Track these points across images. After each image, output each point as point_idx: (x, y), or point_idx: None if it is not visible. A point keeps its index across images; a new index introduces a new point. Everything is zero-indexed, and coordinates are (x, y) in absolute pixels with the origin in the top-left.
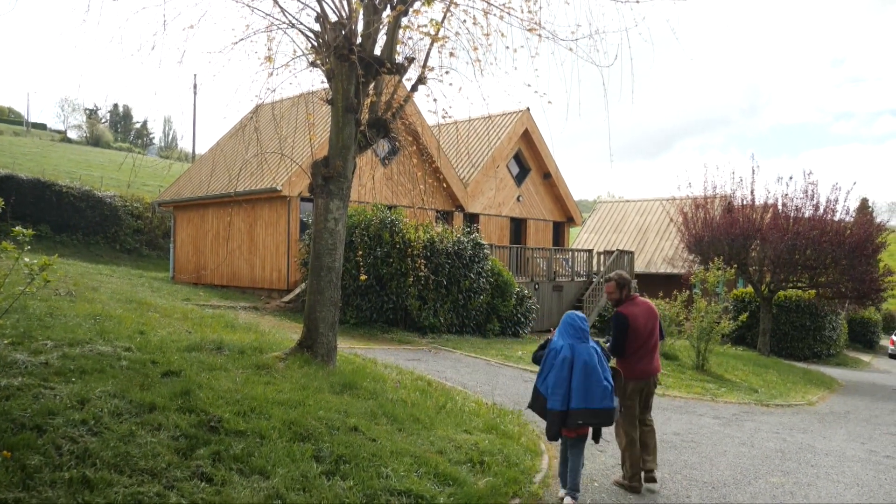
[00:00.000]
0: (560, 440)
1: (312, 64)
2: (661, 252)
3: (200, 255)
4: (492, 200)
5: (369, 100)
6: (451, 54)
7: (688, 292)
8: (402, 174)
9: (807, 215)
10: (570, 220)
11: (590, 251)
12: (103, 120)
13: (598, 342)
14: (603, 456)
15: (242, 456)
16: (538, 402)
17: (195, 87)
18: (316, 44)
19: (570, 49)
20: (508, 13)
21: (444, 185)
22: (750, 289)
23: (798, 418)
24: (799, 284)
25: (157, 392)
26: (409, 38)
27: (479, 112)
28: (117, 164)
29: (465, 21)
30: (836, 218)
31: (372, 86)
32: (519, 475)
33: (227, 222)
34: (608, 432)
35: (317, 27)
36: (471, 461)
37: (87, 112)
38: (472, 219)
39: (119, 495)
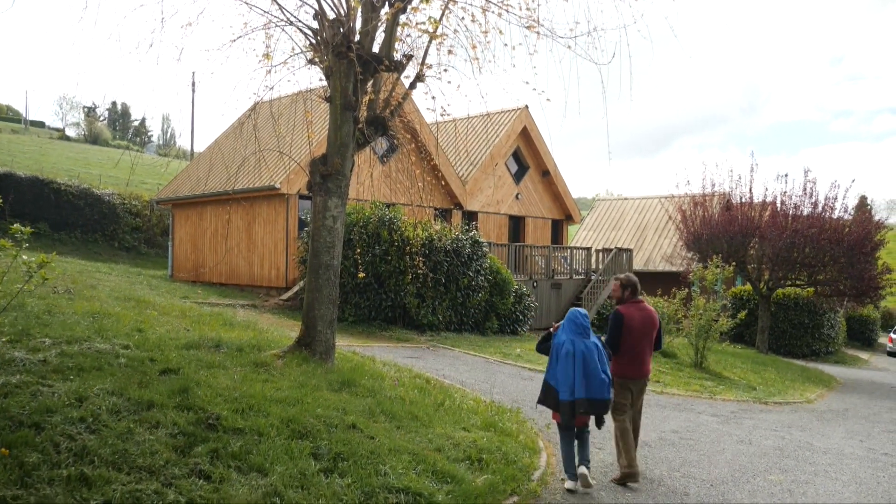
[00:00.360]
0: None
1: (311, 61)
2: (659, 250)
3: (199, 252)
4: (490, 198)
5: (367, 97)
6: (450, 52)
7: (686, 290)
8: (400, 172)
9: (805, 213)
10: (569, 218)
11: (588, 249)
12: (101, 118)
13: (599, 337)
14: (601, 454)
15: (240, 453)
16: (550, 395)
17: (193, 84)
18: (314, 41)
19: (569, 46)
20: (507, 10)
21: (443, 183)
22: (748, 286)
23: (796, 416)
24: (797, 282)
25: (156, 390)
26: (408, 35)
27: (477, 110)
28: (115, 161)
29: (463, 18)
30: (835, 216)
31: (370, 83)
32: (517, 473)
33: (225, 220)
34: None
35: (315, 24)
36: (469, 459)
37: (86, 110)
38: (470, 216)
39: (117, 493)
